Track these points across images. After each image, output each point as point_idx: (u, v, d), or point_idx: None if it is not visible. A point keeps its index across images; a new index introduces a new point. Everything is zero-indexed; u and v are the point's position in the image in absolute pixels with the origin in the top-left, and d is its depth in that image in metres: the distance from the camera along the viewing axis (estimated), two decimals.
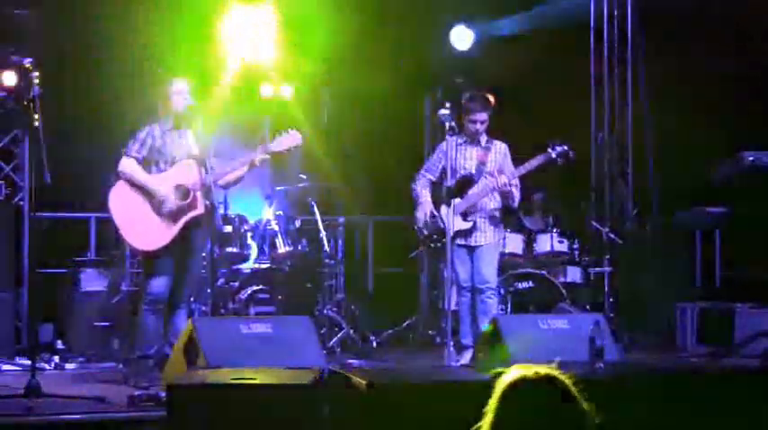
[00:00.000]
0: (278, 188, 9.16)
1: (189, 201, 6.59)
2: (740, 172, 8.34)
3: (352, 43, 9.77)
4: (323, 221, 8.69)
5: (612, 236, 9.23)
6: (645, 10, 10.03)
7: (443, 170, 7.41)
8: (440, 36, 10.29)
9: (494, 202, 7.45)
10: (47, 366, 7.48)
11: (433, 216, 7.45)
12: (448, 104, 7.56)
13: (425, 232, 7.48)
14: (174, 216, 6.58)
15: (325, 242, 8.66)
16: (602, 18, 10.36)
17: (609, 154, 10.35)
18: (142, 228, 6.58)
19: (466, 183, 7.41)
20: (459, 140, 7.47)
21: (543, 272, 8.67)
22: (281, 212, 8.60)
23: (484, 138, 7.51)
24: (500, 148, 7.50)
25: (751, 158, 8.24)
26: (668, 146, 9.75)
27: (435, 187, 7.58)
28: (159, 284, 6.61)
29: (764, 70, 9.38)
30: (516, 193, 7.42)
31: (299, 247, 8.55)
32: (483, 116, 7.42)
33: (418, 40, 10.23)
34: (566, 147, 7.36)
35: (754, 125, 9.16)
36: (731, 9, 9.46)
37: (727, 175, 8.46)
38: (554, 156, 7.36)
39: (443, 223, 7.31)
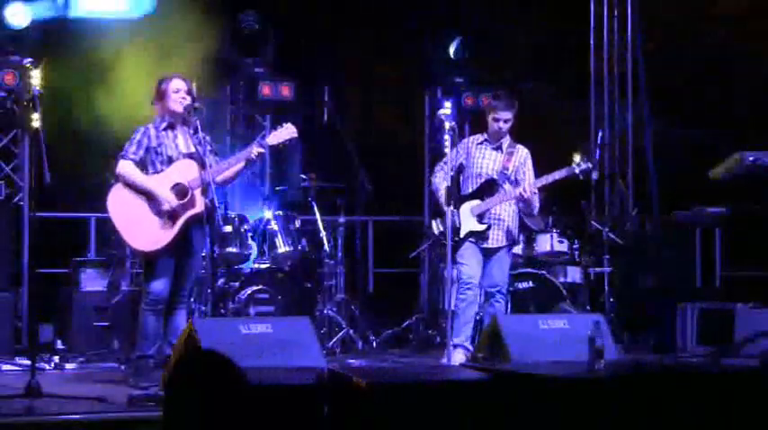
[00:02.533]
0: (278, 188, 9.16)
1: (187, 199, 6.59)
2: (740, 172, 8.33)
3: (353, 43, 9.79)
4: (323, 221, 8.69)
5: (612, 236, 9.23)
6: (645, 10, 10.04)
7: (461, 166, 7.41)
8: (440, 36, 10.29)
9: (511, 208, 7.42)
10: (47, 366, 7.48)
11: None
12: (448, 104, 7.56)
13: (441, 228, 7.45)
14: (172, 216, 6.57)
15: (325, 242, 8.66)
16: (602, 18, 10.37)
17: (609, 154, 10.36)
18: (142, 230, 6.57)
19: (487, 186, 7.37)
20: (480, 139, 7.44)
21: (543, 272, 8.67)
22: (280, 212, 8.60)
23: (507, 141, 7.46)
24: (522, 154, 7.46)
25: (751, 158, 8.23)
26: (668, 146, 9.76)
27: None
28: (160, 285, 6.60)
29: (764, 70, 9.39)
30: (536, 202, 7.41)
31: (299, 247, 8.55)
32: (507, 115, 7.37)
33: (418, 40, 10.24)
34: (590, 165, 7.35)
35: (754, 125, 9.16)
36: (730, 8, 9.48)
37: (727, 175, 8.45)
38: (577, 171, 7.34)
39: (459, 221, 7.30)
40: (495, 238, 7.37)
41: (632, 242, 9.53)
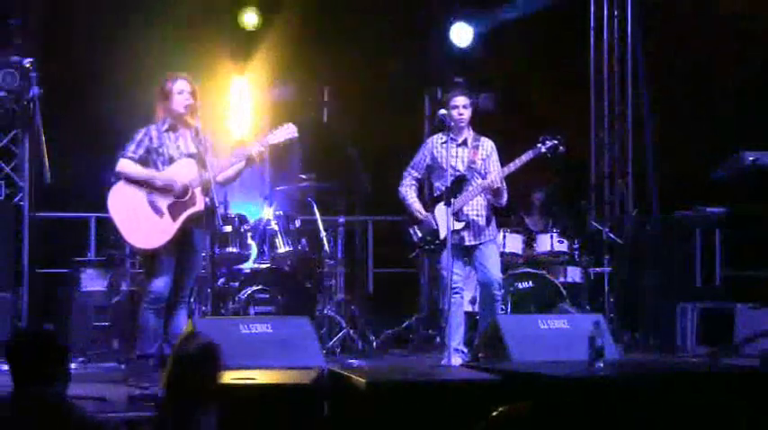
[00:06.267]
0: (278, 188, 9.16)
1: (187, 197, 6.60)
2: (740, 172, 8.33)
3: (353, 43, 9.78)
4: (323, 221, 8.69)
5: (612, 236, 9.23)
6: (645, 10, 10.04)
7: (428, 168, 7.41)
8: (440, 34, 10.29)
9: (482, 202, 7.39)
10: None
11: (425, 217, 7.41)
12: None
13: (420, 234, 7.45)
14: (172, 212, 6.58)
15: (325, 242, 8.65)
16: (602, 18, 10.38)
17: (609, 154, 10.37)
18: (142, 228, 6.58)
19: (458, 182, 7.35)
20: (443, 138, 7.34)
21: (543, 272, 8.67)
22: (280, 212, 8.60)
23: (471, 136, 7.43)
24: (486, 146, 7.43)
25: (751, 158, 8.23)
26: (668, 146, 9.76)
27: (421, 187, 7.58)
28: (161, 283, 6.60)
29: (764, 69, 9.39)
30: (504, 192, 7.34)
31: (299, 247, 8.55)
32: (464, 100, 7.33)
33: (418, 39, 10.24)
34: (555, 142, 7.27)
35: (754, 125, 9.16)
36: (731, 8, 9.47)
37: (727, 175, 8.46)
38: (543, 150, 7.26)
39: (435, 224, 7.30)
40: (473, 234, 7.35)
41: (632, 242, 9.53)
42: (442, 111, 7.17)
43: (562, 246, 8.90)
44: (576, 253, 9.01)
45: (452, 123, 7.22)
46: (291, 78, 9.84)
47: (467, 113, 7.35)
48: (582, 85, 10.36)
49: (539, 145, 7.26)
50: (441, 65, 10.30)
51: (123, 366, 7.36)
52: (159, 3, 9.04)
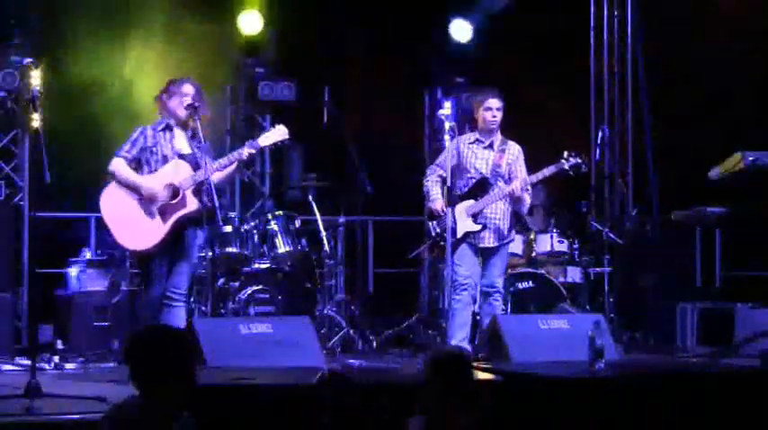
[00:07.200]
0: (278, 188, 9.16)
1: (178, 199, 6.59)
2: (740, 172, 8.33)
3: (353, 43, 9.78)
4: (323, 221, 8.69)
5: (612, 236, 9.23)
6: (645, 10, 10.04)
7: (454, 167, 7.41)
8: (440, 34, 10.30)
9: (504, 206, 7.40)
10: (47, 366, 7.47)
11: (444, 213, 7.41)
12: (448, 104, 7.57)
13: (438, 229, 7.43)
14: (163, 215, 6.58)
15: (325, 242, 8.66)
16: (602, 18, 10.38)
17: (609, 154, 10.36)
18: (133, 229, 6.58)
19: (480, 185, 7.35)
20: (471, 139, 7.40)
21: (543, 272, 8.67)
22: (281, 212, 8.60)
23: (498, 139, 7.43)
24: (514, 151, 7.42)
25: (751, 158, 8.23)
26: (668, 146, 9.76)
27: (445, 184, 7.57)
28: (155, 291, 6.59)
29: (765, 69, 9.39)
30: (528, 199, 7.38)
31: (299, 247, 8.55)
32: (498, 103, 7.33)
33: (418, 38, 10.24)
34: (579, 161, 7.32)
35: (754, 125, 9.16)
36: (731, 8, 9.47)
37: (727, 175, 8.46)
38: (566, 167, 7.31)
39: (454, 221, 7.30)
40: (490, 237, 7.35)
41: (632, 242, 9.53)
42: (443, 111, 7.19)
43: (562, 246, 8.91)
44: (576, 253, 9.01)
45: (461, 122, 7.32)
46: (291, 78, 9.83)
47: (499, 116, 7.35)
48: (582, 84, 10.36)
49: (562, 161, 7.30)
50: (441, 65, 10.30)
51: (123, 366, 7.35)
52: (160, 4, 9.03)
